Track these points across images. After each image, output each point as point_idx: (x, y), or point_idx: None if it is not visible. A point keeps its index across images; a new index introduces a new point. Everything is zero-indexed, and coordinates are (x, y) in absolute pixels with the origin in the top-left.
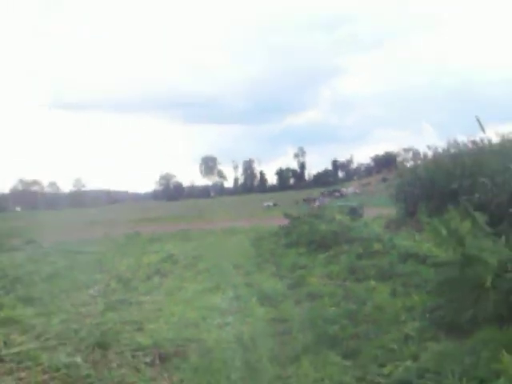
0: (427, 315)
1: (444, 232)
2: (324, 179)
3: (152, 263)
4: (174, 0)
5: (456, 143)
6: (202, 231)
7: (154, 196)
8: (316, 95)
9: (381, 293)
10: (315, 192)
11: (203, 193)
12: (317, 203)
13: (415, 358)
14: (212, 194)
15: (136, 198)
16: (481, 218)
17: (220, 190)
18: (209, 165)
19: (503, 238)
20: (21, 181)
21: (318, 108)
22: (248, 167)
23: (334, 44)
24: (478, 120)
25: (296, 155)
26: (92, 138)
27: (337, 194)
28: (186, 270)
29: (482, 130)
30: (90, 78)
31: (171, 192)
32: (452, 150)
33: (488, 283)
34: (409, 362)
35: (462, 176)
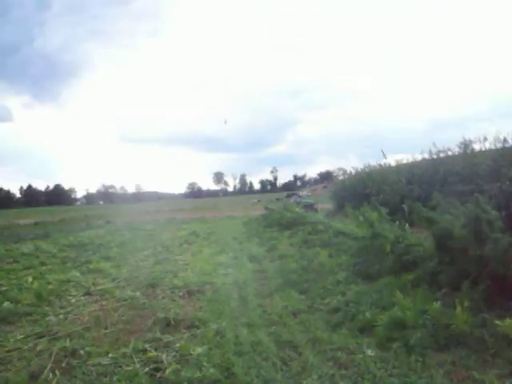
0: (351, 268)
1: (361, 219)
2: (288, 186)
3: (182, 236)
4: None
5: (369, 165)
6: (214, 217)
7: (184, 196)
8: (284, 136)
9: (322, 255)
10: (283, 194)
11: (215, 194)
12: (292, 200)
13: (343, 294)
14: (220, 195)
15: (173, 197)
16: (383, 210)
17: (225, 193)
18: (218, 177)
19: (397, 223)
20: (103, 185)
21: (285, 144)
22: (242, 178)
23: (296, 105)
24: (382, 152)
25: (271, 171)
26: (149, 161)
27: (296, 196)
28: (203, 240)
29: (385, 157)
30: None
31: (195, 193)
32: (366, 170)
33: (388, 249)
34: (339, 297)
35: (372, 185)
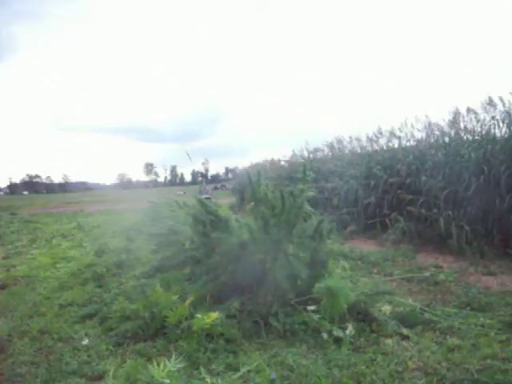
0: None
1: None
2: (219, 178)
3: (66, 229)
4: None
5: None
6: (124, 210)
7: (114, 187)
8: (217, 127)
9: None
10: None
11: (145, 185)
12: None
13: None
14: (150, 186)
15: (102, 188)
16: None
17: (155, 184)
18: (148, 168)
19: None
20: (27, 175)
21: (218, 135)
22: (173, 170)
23: (230, 95)
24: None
25: (203, 163)
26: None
27: (204, 190)
28: (80, 233)
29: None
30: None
31: (125, 184)
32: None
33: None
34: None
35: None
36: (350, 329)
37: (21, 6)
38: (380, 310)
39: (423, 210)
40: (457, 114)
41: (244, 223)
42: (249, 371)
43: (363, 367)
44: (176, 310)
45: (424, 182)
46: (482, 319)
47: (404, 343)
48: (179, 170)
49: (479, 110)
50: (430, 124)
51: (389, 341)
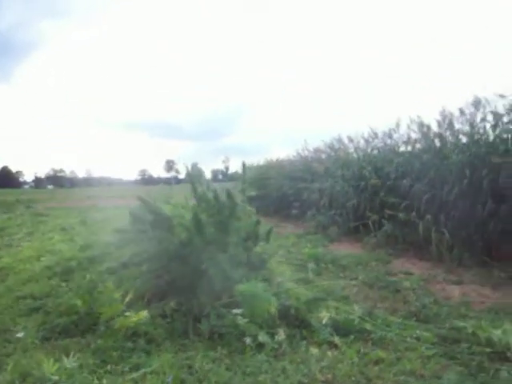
0: None
1: None
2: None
3: (70, 223)
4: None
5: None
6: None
7: (135, 183)
8: (239, 125)
9: None
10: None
11: (165, 182)
12: None
13: None
14: (173, 183)
15: (125, 183)
16: None
17: (177, 181)
18: (169, 164)
19: None
20: (52, 169)
21: (240, 133)
22: (193, 167)
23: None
24: None
25: (223, 161)
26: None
27: None
28: (80, 227)
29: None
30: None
31: (146, 180)
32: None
33: None
34: None
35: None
36: (281, 335)
37: (49, 2)
38: (318, 317)
39: (400, 214)
40: (445, 114)
41: (179, 222)
42: (151, 372)
43: (269, 376)
44: (110, 307)
45: (405, 184)
46: (418, 331)
47: (329, 353)
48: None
49: (468, 111)
50: (422, 125)
51: (315, 349)
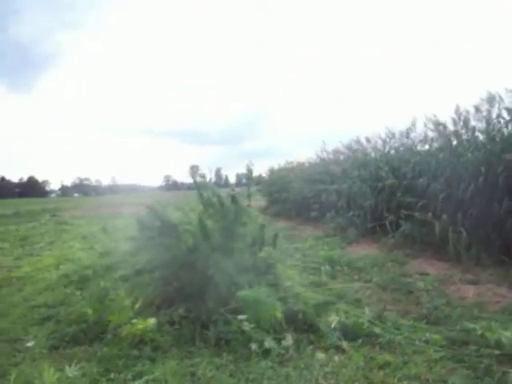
0: None
1: None
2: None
3: (91, 231)
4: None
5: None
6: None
7: (160, 189)
8: (263, 129)
9: None
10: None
11: (189, 187)
12: None
13: None
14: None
15: (149, 190)
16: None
17: None
18: (193, 170)
19: None
20: (78, 177)
21: (261, 138)
22: (217, 172)
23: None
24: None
25: (247, 165)
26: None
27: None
28: (101, 234)
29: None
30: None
31: (170, 186)
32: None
33: None
34: None
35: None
36: (289, 340)
37: (65, 14)
38: (327, 321)
39: (417, 214)
40: (460, 112)
41: (186, 229)
42: (153, 380)
43: (272, 382)
44: (118, 315)
45: (421, 184)
46: (427, 334)
47: (335, 357)
48: (224, 172)
49: (483, 107)
50: (438, 123)
51: (321, 354)
